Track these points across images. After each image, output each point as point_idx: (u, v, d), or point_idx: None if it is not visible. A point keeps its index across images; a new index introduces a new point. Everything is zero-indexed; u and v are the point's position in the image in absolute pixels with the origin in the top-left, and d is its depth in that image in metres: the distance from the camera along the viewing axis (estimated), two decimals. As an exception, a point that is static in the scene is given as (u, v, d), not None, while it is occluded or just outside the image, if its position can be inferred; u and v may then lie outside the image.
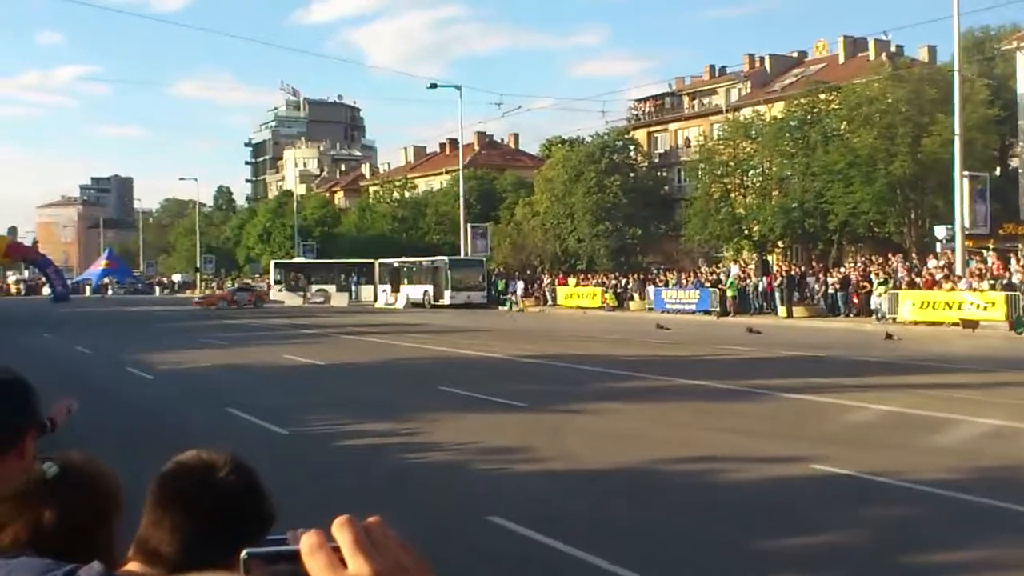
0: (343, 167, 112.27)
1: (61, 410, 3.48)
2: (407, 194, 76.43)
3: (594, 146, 59.77)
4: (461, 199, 55.94)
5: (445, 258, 51.28)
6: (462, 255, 52.58)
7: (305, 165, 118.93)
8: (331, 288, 57.66)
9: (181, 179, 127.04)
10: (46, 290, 63.83)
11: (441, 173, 76.75)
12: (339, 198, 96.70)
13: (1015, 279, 29.93)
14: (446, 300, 48.31)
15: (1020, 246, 39.65)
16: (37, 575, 1.43)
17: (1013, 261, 32.86)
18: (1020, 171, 46.36)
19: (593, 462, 9.36)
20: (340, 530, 0.93)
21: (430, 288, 50.27)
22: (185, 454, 1.57)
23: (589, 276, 50.44)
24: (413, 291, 51.46)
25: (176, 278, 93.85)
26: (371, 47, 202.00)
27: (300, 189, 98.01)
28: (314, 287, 58.26)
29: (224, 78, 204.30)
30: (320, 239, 72.69)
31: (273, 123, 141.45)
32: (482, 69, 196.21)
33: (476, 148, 78.14)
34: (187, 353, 22.60)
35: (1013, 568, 5.98)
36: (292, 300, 56.49)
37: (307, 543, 0.94)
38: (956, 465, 8.91)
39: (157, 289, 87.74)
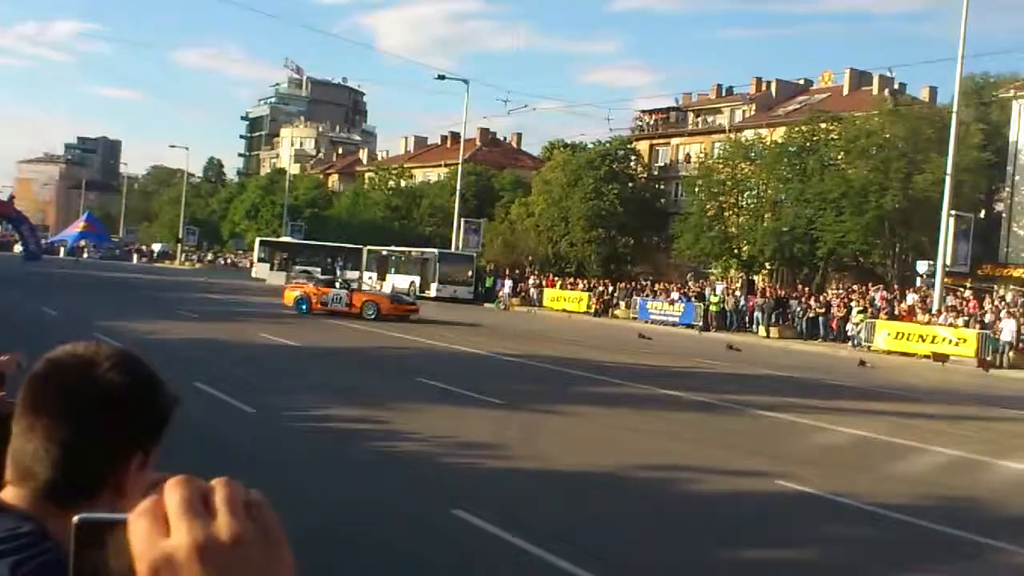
0: (340, 150, 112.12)
1: (10, 363, 3.51)
2: (403, 183, 76.33)
3: (595, 153, 60.01)
4: (458, 193, 55.76)
5: (435, 250, 51.19)
6: (453, 249, 52.62)
7: (302, 144, 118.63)
8: (316, 271, 57.48)
9: (172, 147, 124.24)
10: (18, 247, 63.26)
11: (440, 165, 76.70)
12: (333, 181, 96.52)
13: (988, 318, 30.47)
14: (432, 292, 48.25)
15: (996, 287, 40.30)
16: None
17: (988, 301, 33.47)
18: (1004, 215, 46.94)
19: (564, 463, 9.50)
20: (170, 491, 0.78)
21: (417, 279, 50.20)
22: (57, 349, 1.27)
23: (577, 280, 50.62)
24: (399, 280, 51.36)
25: (156, 247, 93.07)
26: (382, 33, 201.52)
27: (294, 168, 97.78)
28: (298, 268, 58.07)
29: (230, 49, 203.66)
30: (309, 220, 72.59)
31: (273, 99, 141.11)
32: (492, 66, 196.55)
33: (478, 143, 78.11)
34: (160, 324, 22.31)
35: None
36: (274, 279, 56.30)
37: (139, 508, 0.78)
38: (916, 492, 9.13)
39: (135, 257, 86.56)
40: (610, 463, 9.57)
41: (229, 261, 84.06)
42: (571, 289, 48.01)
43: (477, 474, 8.84)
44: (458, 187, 56.25)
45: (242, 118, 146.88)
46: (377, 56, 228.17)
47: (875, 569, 6.61)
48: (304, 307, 30.07)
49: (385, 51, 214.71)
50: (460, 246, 52.95)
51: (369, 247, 56.07)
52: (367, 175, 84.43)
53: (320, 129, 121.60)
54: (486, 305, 46.62)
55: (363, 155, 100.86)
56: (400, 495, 7.83)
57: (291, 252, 60.34)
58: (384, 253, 54.63)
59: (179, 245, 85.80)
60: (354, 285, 33.28)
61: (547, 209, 58.65)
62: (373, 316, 28.86)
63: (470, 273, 50.07)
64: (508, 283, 49.44)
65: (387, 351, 20.48)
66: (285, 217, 73.12)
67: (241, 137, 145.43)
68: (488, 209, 62.29)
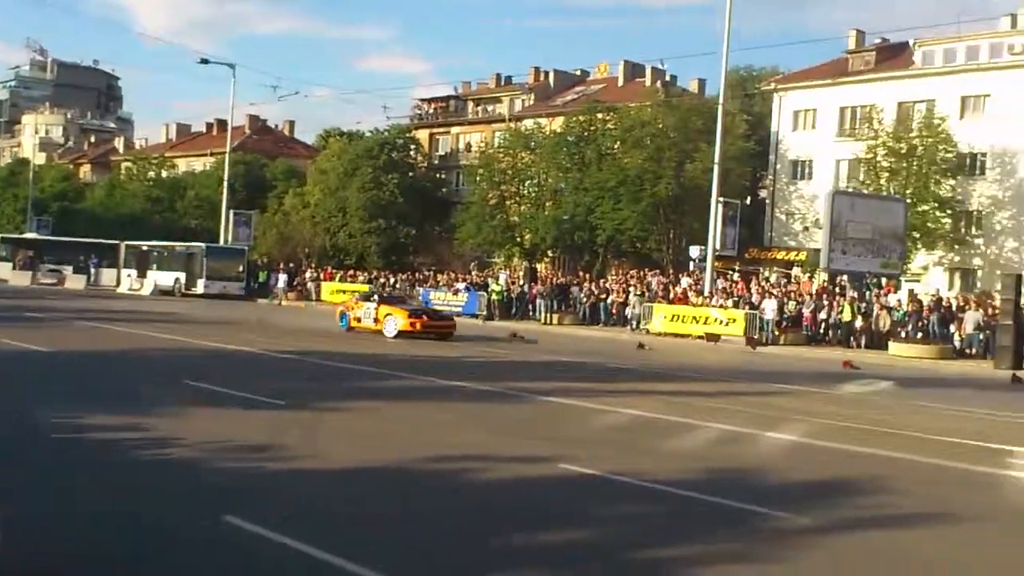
0: (92, 138, 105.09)
1: None
2: (164, 173, 73.15)
3: (373, 141, 59.96)
4: (225, 183, 54.23)
5: (202, 244, 49.49)
6: (222, 242, 51.09)
7: (47, 132, 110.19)
8: (67, 269, 53.71)
9: None
10: None
11: (205, 154, 74.12)
12: (85, 172, 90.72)
13: (754, 299, 32.98)
14: (199, 289, 46.57)
15: (761, 269, 43.76)
16: None
17: (754, 282, 36.27)
18: (767, 201, 50.94)
19: (347, 461, 9.33)
20: None
21: (182, 276, 48.18)
22: None
23: (357, 272, 50.22)
24: (162, 278, 49.06)
25: None
26: (140, 14, 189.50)
27: (39, 158, 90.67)
28: (46, 267, 54.01)
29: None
30: (58, 215, 67.63)
31: (13, 83, 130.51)
32: (260, 50, 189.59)
33: (247, 131, 75.95)
34: None
35: (737, 559, 6.54)
36: (19, 280, 52.06)
37: None
38: (692, 466, 9.68)
39: None
40: (394, 457, 9.51)
41: (-37, 262, 76.54)
42: (351, 281, 47.67)
43: (253, 478, 8.51)
44: (226, 177, 54.78)
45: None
46: (134, 38, 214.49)
47: (653, 543, 6.92)
48: (344, 323, 27.41)
49: (143, 33, 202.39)
50: (230, 239, 51.63)
51: (128, 242, 53.19)
52: (124, 165, 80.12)
53: (69, 116, 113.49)
54: (260, 301, 45.53)
55: (119, 143, 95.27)
56: (168, 505, 7.42)
57: (37, 250, 55.98)
58: (144, 248, 52.02)
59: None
60: (406, 296, 29.30)
61: (323, 199, 58.18)
62: (393, 335, 25.10)
63: (241, 268, 48.74)
64: (283, 277, 48.45)
65: (149, 353, 19.41)
66: (30, 212, 67.78)
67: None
68: (260, 200, 60.85)
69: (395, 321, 25.39)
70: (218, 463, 8.96)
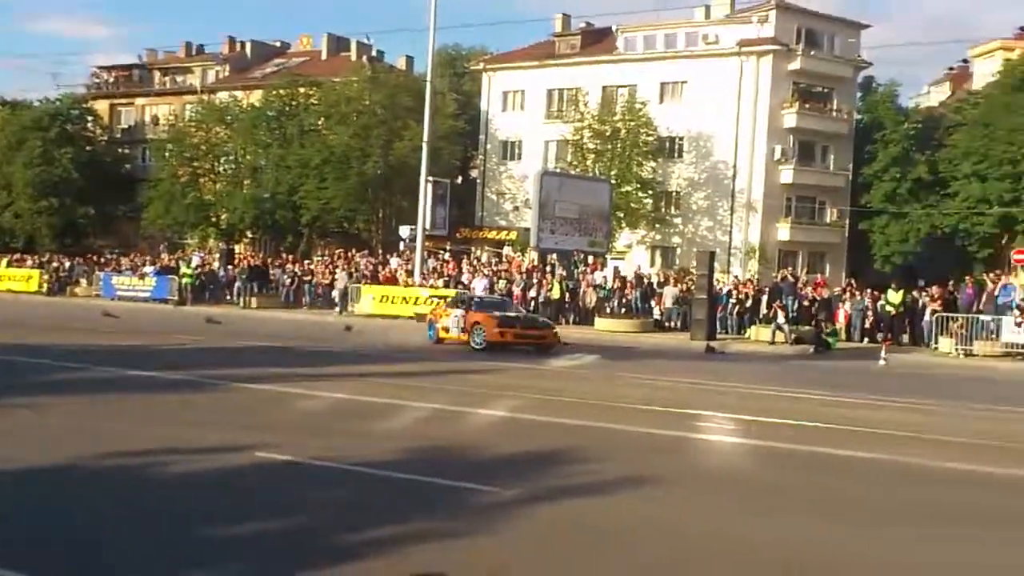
0: None
1: None
2: None
3: (43, 112, 56.30)
4: None
5: None
6: None
7: None
8: None
9: None
10: None
11: None
12: None
13: (465, 278, 33.79)
14: None
15: (473, 248, 45.04)
16: None
17: (465, 262, 37.20)
18: (478, 181, 52.37)
19: (14, 463, 8.39)
20: None
21: None
22: None
23: (25, 257, 46.92)
24: None
25: None
26: None
27: None
28: None
29: None
30: None
31: None
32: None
33: None
34: None
35: (446, 536, 6.58)
36: None
37: None
38: (400, 447, 9.66)
39: None
40: (73, 456, 8.72)
41: None
42: (18, 266, 44.60)
43: None
44: None
45: None
46: None
47: (361, 526, 6.84)
48: (432, 334, 23.57)
49: None
50: None
51: None
52: None
53: None
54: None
55: None
56: None
57: None
58: None
59: None
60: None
61: (-18, 177, 53.62)
62: (481, 346, 21.89)
63: None
64: (-66, 263, 43.73)
65: None
66: None
67: None
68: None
69: (482, 331, 22.38)
70: None
